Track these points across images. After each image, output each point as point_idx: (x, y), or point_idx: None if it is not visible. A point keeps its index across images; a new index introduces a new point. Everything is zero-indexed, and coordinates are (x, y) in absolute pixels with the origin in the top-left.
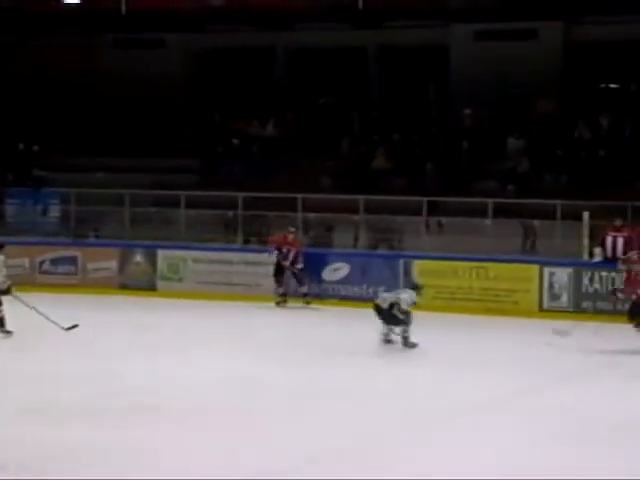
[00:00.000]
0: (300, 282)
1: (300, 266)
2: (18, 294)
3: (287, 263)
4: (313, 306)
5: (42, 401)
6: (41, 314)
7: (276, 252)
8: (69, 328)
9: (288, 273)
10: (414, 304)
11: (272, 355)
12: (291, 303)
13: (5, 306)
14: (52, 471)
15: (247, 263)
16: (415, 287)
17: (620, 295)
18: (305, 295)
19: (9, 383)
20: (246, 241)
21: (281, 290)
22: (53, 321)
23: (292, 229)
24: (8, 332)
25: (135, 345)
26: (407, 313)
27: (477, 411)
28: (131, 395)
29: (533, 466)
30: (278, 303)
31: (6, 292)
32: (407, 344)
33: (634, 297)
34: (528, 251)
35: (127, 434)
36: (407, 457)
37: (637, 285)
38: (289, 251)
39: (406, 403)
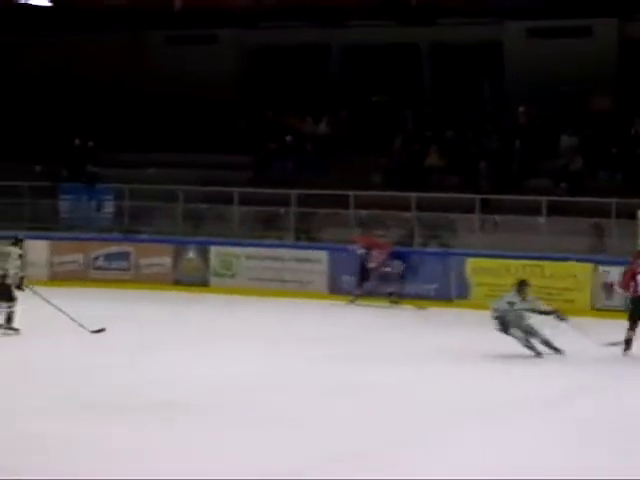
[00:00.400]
0: (388, 282)
1: (389, 269)
2: (35, 288)
3: (373, 265)
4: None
5: (76, 395)
6: (64, 313)
7: (362, 251)
8: (96, 331)
9: (374, 275)
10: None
11: (313, 353)
12: (375, 302)
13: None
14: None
15: (299, 260)
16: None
17: (617, 289)
18: (391, 294)
19: (38, 377)
20: (298, 238)
21: (359, 292)
22: (79, 323)
23: (382, 232)
24: (15, 330)
25: (183, 340)
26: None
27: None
28: (175, 391)
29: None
30: (352, 301)
31: (19, 286)
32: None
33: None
34: (600, 250)
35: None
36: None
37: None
38: (379, 254)
39: (452, 399)
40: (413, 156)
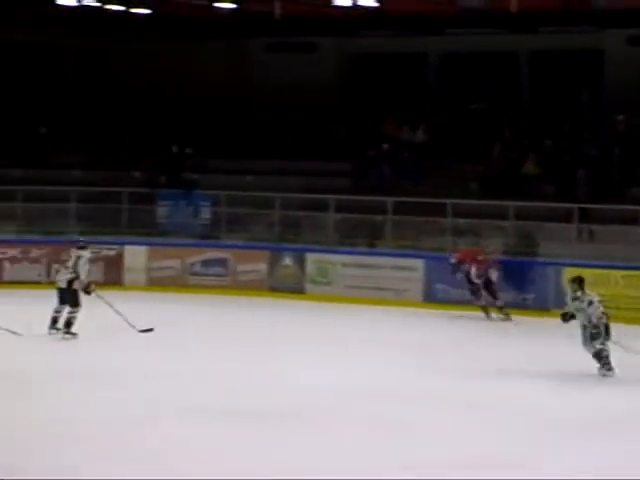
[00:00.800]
0: (493, 296)
1: (477, 280)
2: (100, 293)
3: (474, 279)
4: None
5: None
6: (119, 314)
7: (455, 262)
8: (143, 331)
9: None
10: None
11: (403, 361)
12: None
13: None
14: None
15: (395, 268)
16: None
17: None
18: (501, 308)
19: (135, 380)
20: (395, 246)
21: (481, 302)
22: (130, 323)
23: (486, 248)
24: (73, 334)
25: (279, 347)
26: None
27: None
28: (273, 398)
29: None
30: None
31: (87, 292)
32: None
33: None
34: None
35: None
36: None
37: None
38: (478, 269)
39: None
40: (510, 164)
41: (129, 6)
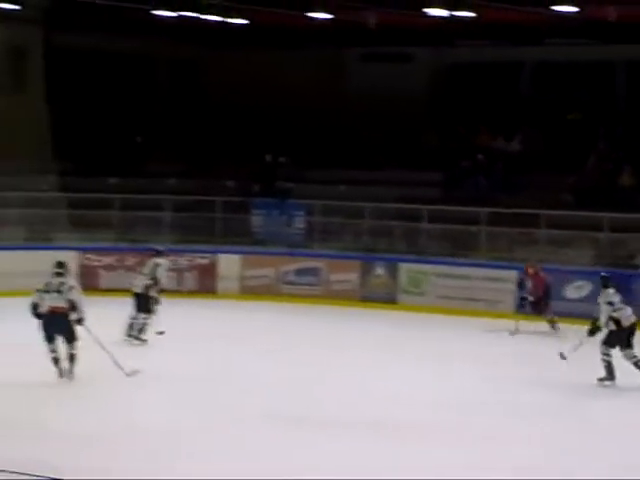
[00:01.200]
0: (542, 312)
1: (531, 298)
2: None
3: (527, 296)
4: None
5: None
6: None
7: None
8: (159, 333)
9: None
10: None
11: (496, 374)
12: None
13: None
14: None
15: (489, 279)
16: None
17: None
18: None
19: (252, 390)
20: (488, 257)
21: (548, 316)
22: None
23: (532, 263)
24: (143, 340)
25: (375, 356)
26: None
27: None
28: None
29: None
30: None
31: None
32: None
33: None
34: None
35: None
36: None
37: None
38: (535, 287)
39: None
40: (605, 175)
41: (226, 16)
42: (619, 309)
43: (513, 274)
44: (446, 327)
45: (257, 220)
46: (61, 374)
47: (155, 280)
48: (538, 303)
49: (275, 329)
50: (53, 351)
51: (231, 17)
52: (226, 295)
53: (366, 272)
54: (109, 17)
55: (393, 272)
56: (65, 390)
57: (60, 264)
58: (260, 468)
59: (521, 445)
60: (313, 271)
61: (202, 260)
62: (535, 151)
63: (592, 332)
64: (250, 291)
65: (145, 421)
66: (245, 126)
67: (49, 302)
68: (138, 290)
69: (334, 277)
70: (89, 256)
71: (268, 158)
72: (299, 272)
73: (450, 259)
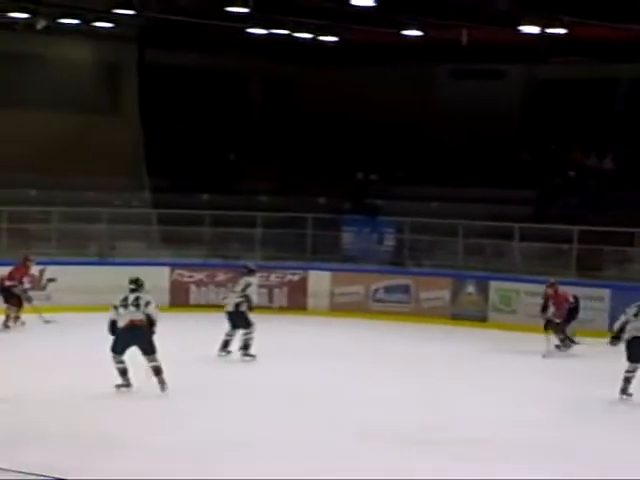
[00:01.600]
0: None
1: (557, 320)
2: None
3: (552, 318)
4: None
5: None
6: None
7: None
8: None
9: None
10: None
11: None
12: None
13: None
14: None
15: (581, 297)
16: None
17: None
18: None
19: (343, 407)
20: (580, 275)
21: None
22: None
23: (552, 282)
24: (252, 356)
25: (467, 376)
26: None
27: None
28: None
29: None
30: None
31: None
32: None
33: None
34: None
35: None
36: None
37: None
38: (558, 306)
39: None
40: None
41: (317, 34)
42: None
43: (605, 292)
44: (537, 345)
45: (347, 237)
46: (128, 384)
47: (246, 298)
48: (568, 321)
49: (365, 346)
50: (120, 362)
51: (323, 35)
52: (316, 312)
53: (457, 290)
54: (203, 35)
55: (484, 290)
56: (157, 403)
57: (135, 280)
58: None
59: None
60: (403, 288)
61: (292, 277)
62: (628, 169)
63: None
64: (340, 308)
65: (235, 433)
66: (336, 143)
67: (128, 316)
68: (230, 309)
69: (424, 295)
70: (180, 272)
71: (359, 175)
72: (389, 289)
73: (541, 277)
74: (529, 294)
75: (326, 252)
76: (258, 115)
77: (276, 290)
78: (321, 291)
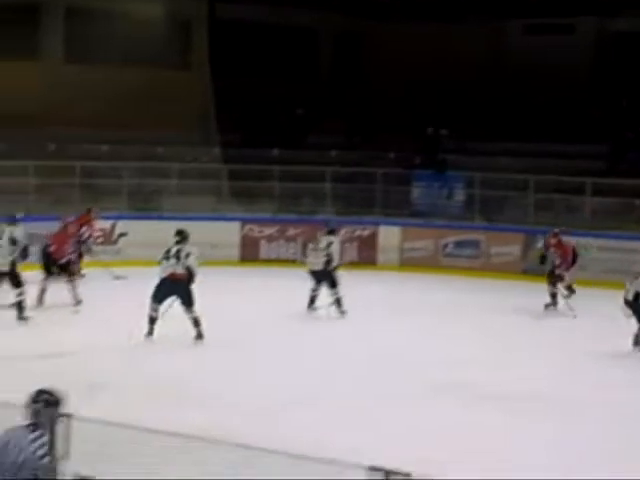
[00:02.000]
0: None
1: (564, 273)
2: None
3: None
4: None
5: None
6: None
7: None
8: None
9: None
10: None
11: None
12: None
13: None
14: None
15: None
16: None
17: None
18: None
19: (413, 364)
20: None
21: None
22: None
23: (556, 230)
24: (343, 312)
25: (523, 332)
26: None
27: None
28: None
29: None
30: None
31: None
32: None
33: None
34: None
35: None
36: None
37: None
38: (563, 257)
39: None
40: None
41: None
42: None
43: None
44: (609, 301)
45: (417, 192)
46: (150, 333)
47: (330, 257)
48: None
49: (434, 302)
50: (154, 310)
51: None
52: (386, 267)
53: (528, 245)
54: None
55: None
56: (235, 357)
57: (180, 232)
58: (427, 444)
59: None
60: (473, 243)
61: (362, 232)
62: None
63: None
64: (409, 263)
65: (308, 391)
66: (406, 98)
67: (170, 268)
68: (316, 267)
69: (495, 250)
70: (251, 227)
71: (429, 131)
72: (459, 244)
73: (613, 232)
74: (600, 249)
75: (396, 207)
76: (328, 70)
77: (346, 245)
78: (391, 246)
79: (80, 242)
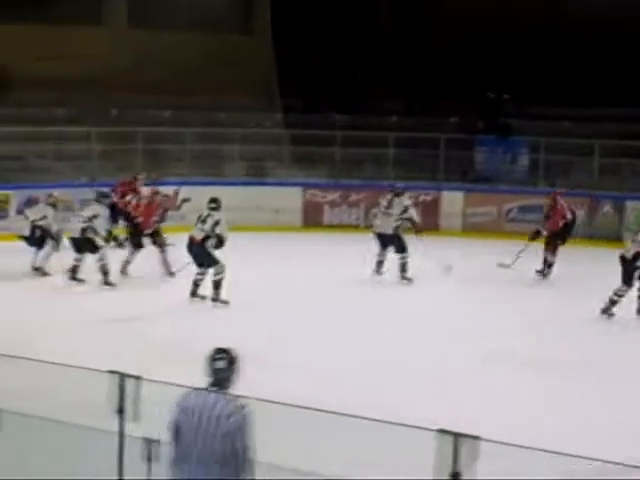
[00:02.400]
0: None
1: (545, 232)
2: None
3: (540, 229)
4: None
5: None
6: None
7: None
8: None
9: None
10: None
11: None
12: None
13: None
14: None
15: None
16: None
17: None
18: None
19: (468, 333)
20: None
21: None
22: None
23: (556, 189)
24: (409, 279)
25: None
26: None
27: None
28: None
29: None
30: None
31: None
32: None
33: None
34: None
35: None
36: None
37: None
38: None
39: None
40: None
41: None
42: None
43: None
44: None
45: (480, 157)
46: (193, 294)
47: (406, 221)
48: (557, 238)
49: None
50: (200, 274)
51: None
52: (448, 232)
53: (593, 210)
54: None
55: (620, 210)
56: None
57: (213, 200)
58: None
59: None
60: (537, 209)
61: (425, 197)
62: None
63: None
64: (472, 228)
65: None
66: (468, 62)
67: (193, 232)
68: (387, 231)
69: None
70: (313, 192)
71: (491, 95)
72: (523, 209)
73: None
74: None
75: (459, 172)
76: (388, 34)
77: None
78: (454, 211)
79: (165, 211)
